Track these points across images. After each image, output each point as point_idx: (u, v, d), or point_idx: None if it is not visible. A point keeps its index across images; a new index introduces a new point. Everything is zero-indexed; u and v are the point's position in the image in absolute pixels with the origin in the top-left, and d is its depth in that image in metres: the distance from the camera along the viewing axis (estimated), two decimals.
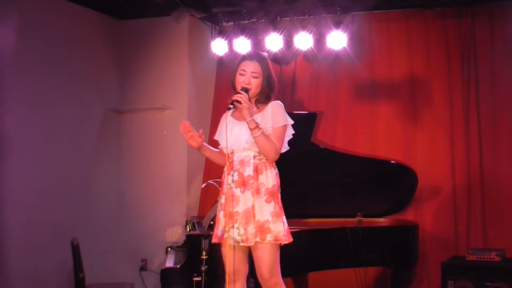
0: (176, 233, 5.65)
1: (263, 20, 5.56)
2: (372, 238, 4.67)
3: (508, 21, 5.19)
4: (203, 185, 4.88)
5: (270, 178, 3.19)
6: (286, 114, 3.24)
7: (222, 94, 6.01)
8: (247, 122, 3.13)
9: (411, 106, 5.51)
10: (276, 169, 3.27)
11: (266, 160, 3.20)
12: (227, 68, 5.87)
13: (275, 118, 3.18)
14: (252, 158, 3.19)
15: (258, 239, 3.11)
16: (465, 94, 5.37)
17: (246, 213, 3.14)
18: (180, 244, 4.60)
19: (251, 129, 3.12)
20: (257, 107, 3.25)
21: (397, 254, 4.78)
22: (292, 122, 3.26)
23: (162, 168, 5.82)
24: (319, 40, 5.41)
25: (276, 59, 5.55)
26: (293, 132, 3.30)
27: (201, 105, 6.00)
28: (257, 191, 3.15)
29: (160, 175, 5.81)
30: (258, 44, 5.50)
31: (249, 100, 3.17)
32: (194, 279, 4.09)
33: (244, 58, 3.30)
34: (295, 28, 5.40)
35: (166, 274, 4.38)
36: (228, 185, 3.21)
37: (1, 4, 4.65)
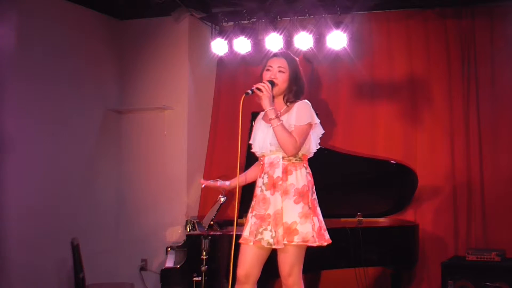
0: (176, 233, 5.65)
1: (263, 20, 5.56)
2: (372, 238, 4.67)
3: (508, 21, 5.19)
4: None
5: (300, 178, 3.18)
6: (313, 112, 3.23)
7: (222, 94, 6.02)
8: (267, 112, 3.12)
9: (411, 106, 5.51)
10: (308, 168, 3.26)
11: (296, 160, 3.20)
12: (227, 68, 5.88)
13: (299, 116, 3.17)
14: (281, 159, 3.18)
15: (285, 241, 3.08)
16: (465, 94, 5.37)
17: (275, 215, 3.12)
18: (180, 244, 4.60)
19: (270, 119, 3.11)
20: (287, 106, 3.24)
21: (397, 254, 4.78)
22: (319, 121, 3.25)
23: (162, 168, 5.81)
24: (319, 40, 5.41)
25: None
26: (323, 131, 3.31)
27: (201, 105, 6.00)
28: (286, 192, 3.14)
29: (160, 175, 5.81)
30: (258, 44, 5.50)
31: (273, 96, 3.15)
32: (194, 279, 4.09)
33: (272, 55, 3.33)
34: (295, 28, 5.40)
35: (166, 274, 4.37)
36: (260, 188, 3.21)
37: (1, 5, 4.65)
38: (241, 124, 3.16)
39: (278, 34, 5.40)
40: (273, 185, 3.15)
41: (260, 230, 3.14)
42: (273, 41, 5.39)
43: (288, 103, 3.24)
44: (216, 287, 4.05)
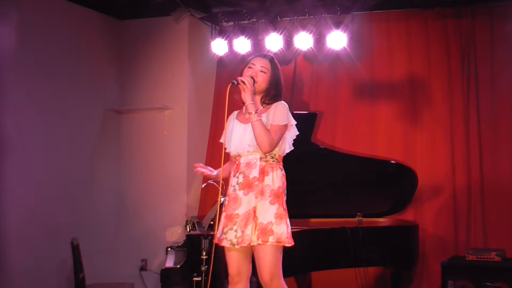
0: (176, 233, 5.65)
1: (263, 20, 5.56)
2: (372, 238, 4.67)
3: (508, 21, 5.19)
4: (203, 185, 4.87)
5: (276, 179, 3.19)
6: (290, 114, 3.24)
7: (222, 94, 6.01)
8: (246, 106, 3.15)
9: (411, 106, 5.51)
10: (283, 170, 3.27)
11: (273, 161, 3.20)
12: (227, 68, 5.87)
13: (276, 116, 3.18)
14: (259, 160, 3.18)
15: (260, 242, 3.09)
16: (465, 94, 5.37)
17: (246, 215, 3.13)
18: (180, 244, 4.60)
19: (249, 114, 3.13)
20: (263, 107, 3.25)
21: (397, 254, 4.78)
22: (295, 122, 3.27)
23: (162, 168, 5.82)
24: (319, 40, 5.41)
25: (276, 59, 5.54)
26: (297, 133, 3.31)
27: (201, 105, 6.01)
28: (262, 193, 3.15)
29: (160, 175, 5.81)
30: (258, 44, 5.50)
31: (254, 92, 3.18)
32: (194, 279, 4.09)
33: (257, 55, 3.37)
34: (295, 28, 5.40)
35: (166, 274, 4.38)
36: (232, 187, 3.21)
37: (1, 4, 4.65)
38: (227, 113, 3.24)
39: (278, 34, 5.40)
40: (248, 185, 3.16)
41: (226, 229, 3.16)
42: (273, 41, 5.39)
43: (264, 105, 3.26)
44: (216, 287, 4.05)
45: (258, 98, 3.26)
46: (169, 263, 4.45)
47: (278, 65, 3.34)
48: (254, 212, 3.13)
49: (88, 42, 5.64)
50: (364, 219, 4.97)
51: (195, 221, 4.74)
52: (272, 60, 3.32)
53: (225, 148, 3.33)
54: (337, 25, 5.28)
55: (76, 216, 5.38)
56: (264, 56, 3.35)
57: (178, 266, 4.33)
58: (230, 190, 3.23)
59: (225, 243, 3.16)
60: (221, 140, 3.36)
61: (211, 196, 5.56)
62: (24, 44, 4.82)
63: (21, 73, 4.85)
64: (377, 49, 5.63)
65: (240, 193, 3.17)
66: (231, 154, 3.31)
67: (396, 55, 5.58)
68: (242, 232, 3.11)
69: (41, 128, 5.07)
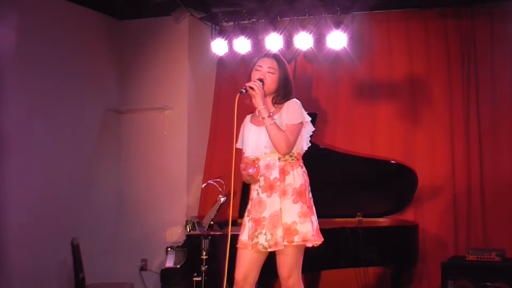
0: (176, 233, 5.65)
1: (263, 20, 5.56)
2: (372, 238, 4.67)
3: (508, 21, 5.19)
4: (203, 185, 4.88)
5: (298, 177, 3.16)
6: (303, 111, 3.20)
7: (222, 94, 6.02)
8: (259, 111, 3.10)
9: (411, 106, 5.51)
10: (304, 168, 3.23)
11: (292, 160, 3.17)
12: (227, 68, 5.88)
13: (290, 115, 3.15)
14: (277, 160, 3.15)
15: (285, 242, 3.07)
16: (465, 94, 5.37)
17: (273, 217, 3.10)
18: (180, 244, 4.60)
19: (263, 118, 3.09)
20: (275, 107, 3.22)
21: (397, 254, 4.78)
22: (310, 118, 3.23)
23: (162, 168, 5.81)
24: (319, 40, 5.41)
25: None
26: (313, 128, 3.27)
27: (201, 105, 6.00)
28: (284, 193, 3.12)
29: (160, 175, 5.81)
30: (258, 44, 5.50)
31: (264, 94, 3.13)
32: (194, 279, 4.09)
33: (263, 56, 3.31)
34: (295, 28, 5.40)
35: (166, 274, 4.38)
36: (256, 191, 3.19)
37: (1, 4, 4.65)
38: (237, 122, 3.16)
39: (278, 34, 5.40)
40: (270, 187, 3.13)
41: (256, 233, 3.13)
42: (273, 41, 5.39)
43: (276, 105, 3.23)
44: (216, 287, 4.05)
45: (269, 99, 3.22)
46: (169, 263, 4.45)
47: (285, 62, 3.29)
48: (281, 213, 3.10)
49: (88, 42, 5.64)
50: (364, 219, 4.97)
51: (195, 221, 4.74)
52: (278, 58, 3.27)
53: (243, 153, 3.29)
54: (337, 25, 5.28)
55: (76, 216, 5.38)
56: (270, 55, 3.29)
57: (178, 266, 4.33)
58: (254, 194, 3.20)
59: (258, 247, 3.11)
60: (238, 146, 3.30)
61: (211, 196, 5.56)
62: (24, 44, 4.82)
63: (21, 73, 4.85)
64: (377, 49, 5.63)
65: (263, 196, 3.14)
66: (250, 158, 3.25)
67: (396, 55, 5.58)
68: (272, 234, 3.07)
69: (41, 128, 5.06)
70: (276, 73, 3.21)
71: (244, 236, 3.19)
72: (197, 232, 4.53)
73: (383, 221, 5.13)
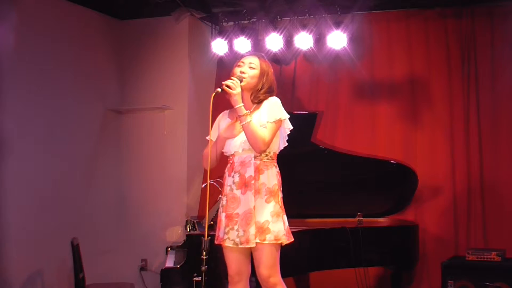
0: (176, 233, 5.65)
1: (263, 20, 5.57)
2: (372, 238, 4.67)
3: (508, 21, 5.20)
4: (203, 185, 4.87)
5: (271, 177, 3.18)
6: (282, 108, 3.20)
7: (222, 94, 6.00)
8: (236, 109, 3.12)
9: (411, 106, 5.51)
10: (277, 167, 3.25)
11: (267, 159, 3.19)
12: (227, 68, 5.86)
13: (270, 112, 3.16)
14: (253, 158, 3.17)
15: (257, 240, 3.09)
16: (465, 94, 5.37)
17: (246, 215, 3.12)
18: (180, 244, 4.60)
19: (239, 116, 3.11)
20: (255, 105, 3.23)
21: (397, 254, 4.78)
22: (288, 116, 3.22)
23: (162, 168, 5.82)
24: (319, 40, 5.42)
25: (276, 59, 5.55)
26: (291, 127, 3.26)
27: (201, 105, 5.99)
28: (258, 191, 3.14)
29: (160, 175, 5.81)
30: (258, 44, 5.51)
31: (242, 90, 3.14)
32: (194, 279, 4.08)
33: (246, 53, 3.39)
34: (295, 28, 5.40)
35: (166, 274, 4.37)
36: (229, 187, 3.21)
37: (1, 4, 4.65)
38: (211, 122, 3.21)
39: (278, 34, 5.40)
40: (244, 184, 3.15)
41: (227, 229, 3.16)
42: (273, 41, 5.39)
43: (255, 103, 3.23)
44: (216, 287, 4.05)
45: (248, 95, 3.23)
46: (169, 263, 4.44)
47: (268, 62, 3.31)
48: (255, 211, 3.12)
49: (88, 42, 5.64)
50: (364, 219, 4.96)
51: (195, 221, 4.74)
52: (260, 56, 3.30)
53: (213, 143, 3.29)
54: (337, 25, 5.28)
55: (76, 216, 5.38)
56: (253, 53, 3.34)
57: (178, 266, 4.33)
58: (227, 189, 3.22)
59: (228, 243, 3.15)
60: (208, 137, 3.31)
61: (211, 196, 5.54)
62: (24, 44, 4.82)
63: (21, 73, 4.85)
64: (377, 49, 5.63)
65: (237, 192, 3.16)
66: (225, 154, 3.28)
67: (396, 55, 5.59)
68: (244, 231, 3.11)
69: (41, 128, 5.07)
70: (257, 69, 3.23)
71: (220, 232, 3.22)
72: (197, 232, 4.53)
73: (383, 221, 5.13)
